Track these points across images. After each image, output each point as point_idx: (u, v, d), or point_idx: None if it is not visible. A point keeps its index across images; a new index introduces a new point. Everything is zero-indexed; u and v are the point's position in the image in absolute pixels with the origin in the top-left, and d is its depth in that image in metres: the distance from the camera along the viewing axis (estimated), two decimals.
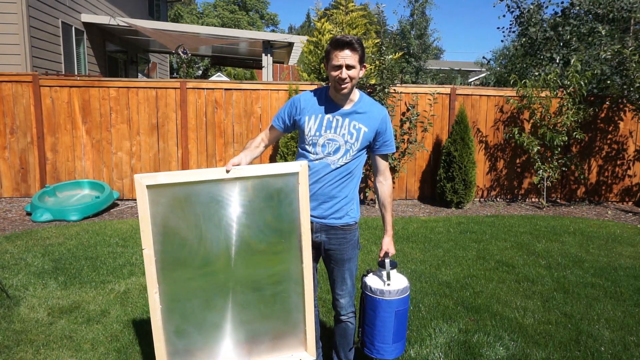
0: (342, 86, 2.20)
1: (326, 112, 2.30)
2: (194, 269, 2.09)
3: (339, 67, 2.16)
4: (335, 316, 2.54)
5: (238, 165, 2.10)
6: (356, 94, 2.33)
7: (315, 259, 2.45)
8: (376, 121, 2.30)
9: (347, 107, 2.30)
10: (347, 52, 2.15)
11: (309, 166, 2.24)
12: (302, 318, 2.26)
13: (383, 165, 2.41)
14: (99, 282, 4.00)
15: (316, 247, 2.39)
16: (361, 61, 2.21)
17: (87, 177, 7.10)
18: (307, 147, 2.33)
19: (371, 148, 2.37)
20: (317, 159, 2.30)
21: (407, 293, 2.37)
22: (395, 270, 2.40)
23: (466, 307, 3.65)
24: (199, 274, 2.10)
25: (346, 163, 2.30)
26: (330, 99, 2.32)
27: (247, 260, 2.14)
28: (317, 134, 2.30)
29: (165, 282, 2.04)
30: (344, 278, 2.44)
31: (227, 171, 2.05)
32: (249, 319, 2.20)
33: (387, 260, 2.37)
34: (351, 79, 2.19)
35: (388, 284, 2.34)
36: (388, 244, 2.43)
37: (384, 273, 2.36)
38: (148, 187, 1.95)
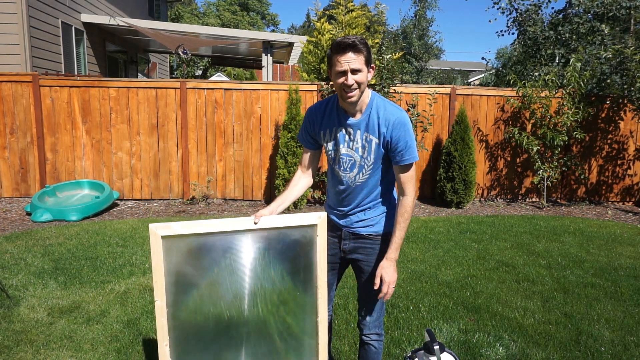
0: (350, 94, 1.96)
1: (339, 125, 2.10)
2: (207, 320, 2.01)
3: (343, 72, 1.93)
4: (359, 334, 2.33)
5: (266, 216, 2.00)
6: (366, 98, 2.06)
7: (338, 269, 2.33)
8: (385, 128, 2.03)
9: (359, 116, 2.06)
10: (350, 55, 1.91)
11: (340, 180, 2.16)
12: None
13: (400, 178, 2.09)
14: (99, 282, 4.00)
15: (342, 255, 2.26)
16: (368, 63, 1.97)
17: (87, 177, 7.10)
18: (330, 161, 2.21)
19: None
20: (339, 175, 2.19)
21: None
22: (444, 354, 2.13)
23: (466, 307, 3.65)
24: (212, 325, 2.03)
25: (365, 180, 2.11)
26: (341, 109, 2.09)
27: (261, 313, 2.07)
28: (334, 149, 2.14)
29: (175, 334, 1.95)
30: (369, 293, 2.22)
31: (255, 222, 1.95)
32: None
33: (436, 347, 2.11)
34: (359, 84, 1.95)
35: None
36: (384, 268, 2.08)
37: None
38: (163, 237, 1.88)
